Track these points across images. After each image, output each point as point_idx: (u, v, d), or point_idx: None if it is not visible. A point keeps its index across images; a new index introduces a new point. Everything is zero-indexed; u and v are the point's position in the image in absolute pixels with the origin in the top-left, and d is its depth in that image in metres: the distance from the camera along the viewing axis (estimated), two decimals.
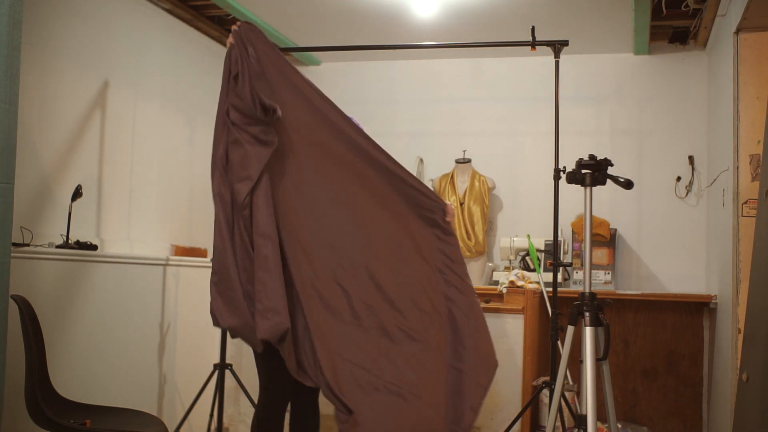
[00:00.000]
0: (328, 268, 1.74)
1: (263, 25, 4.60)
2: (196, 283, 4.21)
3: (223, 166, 1.91)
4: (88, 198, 3.71)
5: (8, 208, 2.53)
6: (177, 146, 4.54)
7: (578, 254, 4.72)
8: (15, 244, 2.99)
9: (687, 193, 4.79)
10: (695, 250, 4.74)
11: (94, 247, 3.48)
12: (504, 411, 3.85)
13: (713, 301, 4.26)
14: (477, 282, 4.79)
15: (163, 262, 3.96)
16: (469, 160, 4.96)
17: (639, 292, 4.47)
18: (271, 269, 1.68)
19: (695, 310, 4.60)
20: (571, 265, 4.58)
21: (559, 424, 3.70)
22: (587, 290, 2.62)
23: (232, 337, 2.01)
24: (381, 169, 1.85)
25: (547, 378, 3.71)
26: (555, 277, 3.68)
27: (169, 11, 4.42)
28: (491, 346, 2.02)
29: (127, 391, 3.66)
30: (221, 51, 4.97)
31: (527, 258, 4.59)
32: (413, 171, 5.01)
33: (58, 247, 3.33)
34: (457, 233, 4.88)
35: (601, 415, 2.77)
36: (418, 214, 1.89)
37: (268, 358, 2.42)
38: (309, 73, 5.50)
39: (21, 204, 3.25)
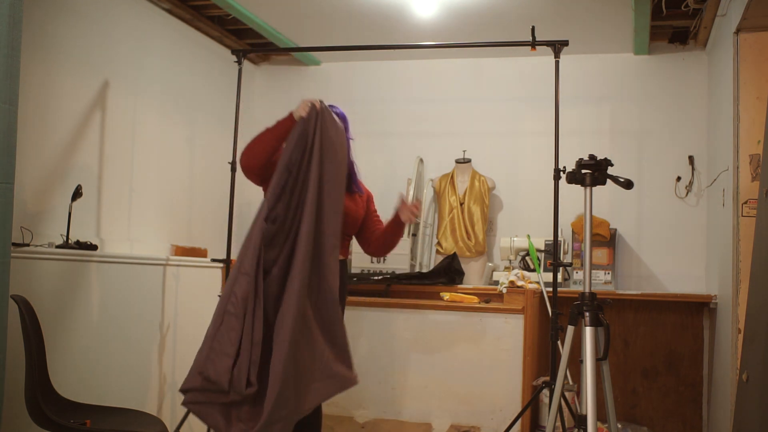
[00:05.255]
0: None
1: (263, 25, 4.60)
2: (196, 283, 4.21)
3: None
4: (88, 198, 3.70)
5: (8, 208, 2.53)
6: (177, 146, 4.54)
7: (578, 254, 4.71)
8: (15, 244, 2.99)
9: (687, 193, 4.79)
10: (695, 250, 4.73)
11: (94, 247, 3.48)
12: (504, 411, 3.85)
13: (713, 301, 4.26)
14: (477, 282, 4.79)
15: (163, 262, 3.96)
16: (469, 160, 4.96)
17: (639, 292, 4.47)
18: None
19: (695, 310, 4.60)
20: (571, 265, 4.58)
21: (559, 424, 3.70)
22: (587, 290, 2.62)
23: None
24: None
25: (547, 378, 3.71)
26: (555, 277, 3.68)
27: (169, 11, 4.42)
28: None
29: (127, 391, 3.66)
30: (221, 51, 4.99)
31: (527, 258, 4.59)
32: (413, 171, 5.03)
33: (58, 247, 3.33)
34: (457, 233, 4.90)
35: (601, 415, 2.77)
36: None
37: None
38: (309, 73, 5.50)
39: (21, 204, 3.25)
